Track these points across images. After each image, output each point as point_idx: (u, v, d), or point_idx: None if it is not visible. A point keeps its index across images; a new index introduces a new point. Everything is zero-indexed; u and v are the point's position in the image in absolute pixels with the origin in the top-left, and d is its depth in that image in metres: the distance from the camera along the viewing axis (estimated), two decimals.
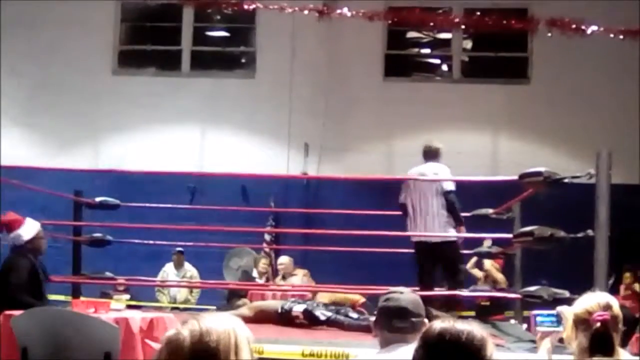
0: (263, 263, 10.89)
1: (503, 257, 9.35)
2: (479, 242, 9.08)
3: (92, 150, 13.40)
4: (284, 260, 10.69)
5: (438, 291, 7.77)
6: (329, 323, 7.59)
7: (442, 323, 2.38)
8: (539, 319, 6.06)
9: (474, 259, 10.40)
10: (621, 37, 9.65)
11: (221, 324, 2.06)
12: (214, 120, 13.48)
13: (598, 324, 3.20)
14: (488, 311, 9.01)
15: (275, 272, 11.31)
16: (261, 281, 10.62)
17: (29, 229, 6.52)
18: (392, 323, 3.32)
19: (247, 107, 13.35)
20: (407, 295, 3.44)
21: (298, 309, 7.75)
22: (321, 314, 7.67)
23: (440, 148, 7.97)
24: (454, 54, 13.90)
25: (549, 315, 5.88)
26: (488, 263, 10.46)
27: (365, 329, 7.40)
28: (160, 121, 13.48)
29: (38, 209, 11.09)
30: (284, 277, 10.60)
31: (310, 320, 7.61)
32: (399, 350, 3.20)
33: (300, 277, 10.42)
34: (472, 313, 9.86)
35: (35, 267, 6.45)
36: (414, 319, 3.30)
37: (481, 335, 2.33)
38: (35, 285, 6.39)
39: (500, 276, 10.34)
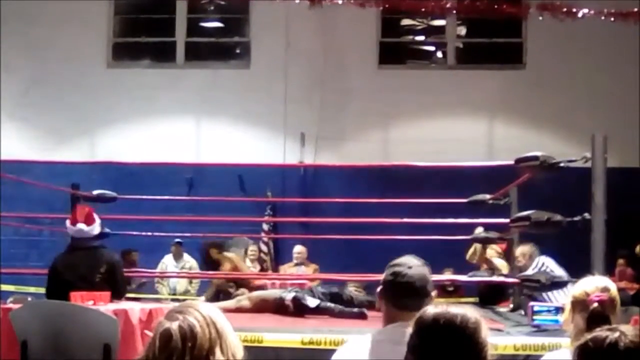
0: (251, 250, 10.88)
1: (505, 241, 9.32)
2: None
3: (88, 144, 13.38)
4: (299, 249, 10.63)
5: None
6: (319, 311, 7.59)
7: (436, 308, 2.39)
8: (535, 308, 6.14)
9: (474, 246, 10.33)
10: (612, 19, 9.62)
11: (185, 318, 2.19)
12: (209, 111, 13.46)
13: (595, 304, 3.25)
14: (493, 298, 9.01)
15: (276, 260, 11.37)
16: (254, 268, 10.63)
17: (98, 222, 6.52)
18: (399, 300, 3.12)
19: (243, 97, 13.32)
20: (415, 269, 3.14)
21: (289, 297, 7.75)
22: (310, 301, 7.65)
23: None
24: (448, 40, 13.88)
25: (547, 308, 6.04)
26: (491, 252, 10.35)
27: (357, 317, 7.41)
28: (156, 113, 13.46)
29: (35, 202, 11.17)
30: (296, 265, 10.59)
31: (299, 309, 7.59)
32: (399, 330, 3.03)
33: (310, 271, 10.40)
34: (473, 299, 9.88)
35: None
36: (422, 297, 3.09)
37: (475, 318, 2.34)
38: None
39: (500, 262, 10.24)
